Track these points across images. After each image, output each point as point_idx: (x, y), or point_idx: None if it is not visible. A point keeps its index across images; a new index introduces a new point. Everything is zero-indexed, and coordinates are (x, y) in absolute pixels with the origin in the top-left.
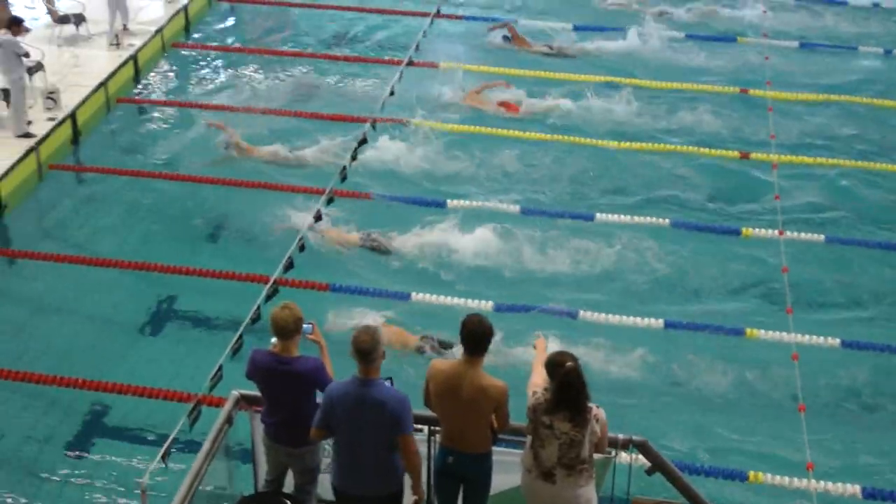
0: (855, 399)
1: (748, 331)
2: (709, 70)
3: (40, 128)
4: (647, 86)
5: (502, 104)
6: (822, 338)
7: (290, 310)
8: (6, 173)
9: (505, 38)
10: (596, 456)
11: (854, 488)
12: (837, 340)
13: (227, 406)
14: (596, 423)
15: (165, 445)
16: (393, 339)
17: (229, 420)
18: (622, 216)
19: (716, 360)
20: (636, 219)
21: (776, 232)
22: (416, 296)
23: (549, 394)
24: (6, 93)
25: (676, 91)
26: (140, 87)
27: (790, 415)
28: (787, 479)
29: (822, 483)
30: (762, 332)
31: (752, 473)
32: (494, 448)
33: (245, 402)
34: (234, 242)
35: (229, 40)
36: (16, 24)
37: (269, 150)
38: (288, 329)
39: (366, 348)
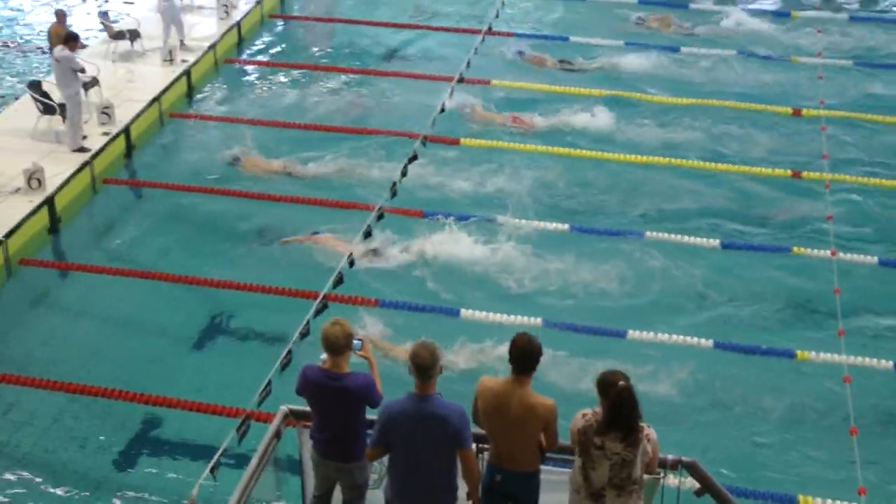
0: None
1: (799, 353)
2: (762, 89)
3: (95, 142)
4: (698, 104)
5: (514, 119)
6: (874, 360)
7: (341, 326)
8: (61, 187)
9: (519, 53)
10: (644, 476)
11: None
12: (890, 363)
13: (276, 421)
14: (647, 443)
15: (214, 459)
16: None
17: (278, 434)
18: (671, 235)
19: (766, 382)
20: (685, 238)
21: (828, 252)
22: (466, 312)
23: (601, 413)
24: (62, 107)
25: (729, 109)
26: (193, 102)
27: (841, 438)
28: (838, 503)
29: None
30: (813, 353)
31: (802, 497)
32: (542, 467)
33: (293, 417)
34: (284, 257)
35: (281, 56)
36: (72, 40)
37: (278, 163)
38: (338, 345)
39: (425, 364)
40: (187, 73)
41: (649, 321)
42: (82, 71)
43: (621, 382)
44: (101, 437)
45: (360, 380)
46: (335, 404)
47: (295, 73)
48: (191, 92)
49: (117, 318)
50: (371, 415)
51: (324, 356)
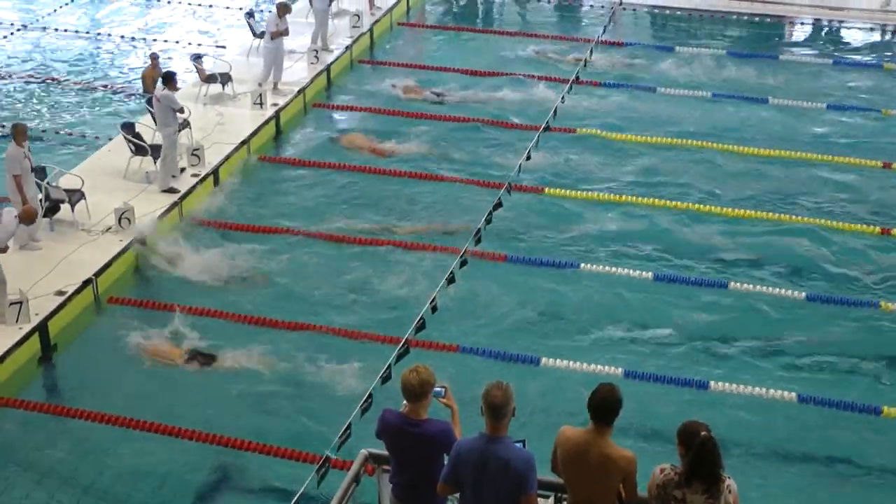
0: None
1: (885, 409)
2: (851, 142)
3: (184, 183)
4: (784, 156)
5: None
6: None
7: (418, 373)
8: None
9: (392, 85)
10: None
11: None
12: None
13: (356, 464)
14: (729, 494)
15: (293, 502)
16: (160, 353)
17: (357, 478)
18: (757, 286)
19: (851, 438)
20: (770, 289)
21: None
22: (546, 361)
23: (684, 465)
24: (154, 149)
25: (817, 163)
26: (281, 145)
27: None
28: None
29: None
30: None
31: None
32: None
33: (373, 460)
34: (368, 301)
35: (368, 101)
36: (171, 80)
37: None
38: (415, 392)
39: (498, 403)
40: (276, 116)
41: (731, 373)
42: (181, 111)
43: (704, 433)
44: (181, 477)
45: (437, 427)
46: (412, 450)
47: (383, 117)
48: (279, 135)
49: None
50: None
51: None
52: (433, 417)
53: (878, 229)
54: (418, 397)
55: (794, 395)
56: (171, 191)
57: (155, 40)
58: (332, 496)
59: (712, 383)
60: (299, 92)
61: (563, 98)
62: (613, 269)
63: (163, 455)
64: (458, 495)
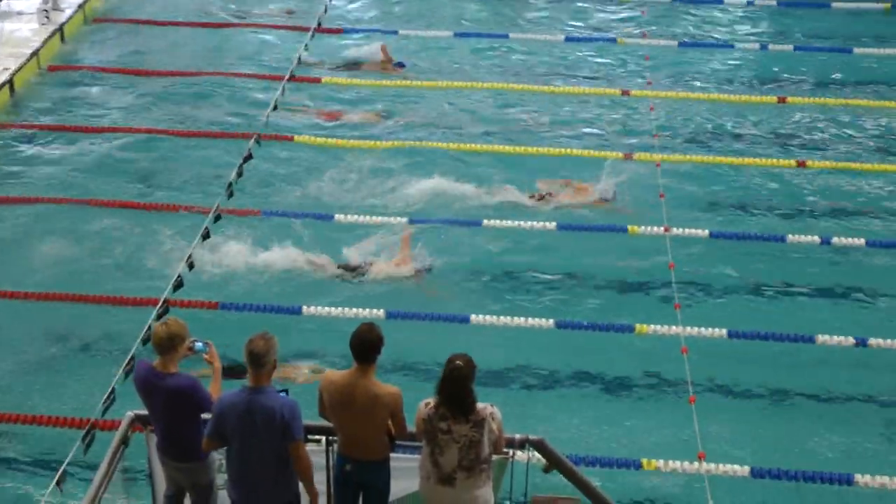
0: (743, 386)
1: (637, 327)
2: (590, 71)
3: None
4: (528, 89)
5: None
6: (709, 329)
7: (167, 326)
8: None
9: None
10: (493, 457)
11: (743, 469)
12: (724, 331)
13: (122, 426)
14: (493, 422)
15: (60, 471)
16: None
17: (125, 441)
18: (507, 221)
19: (607, 357)
20: (521, 223)
21: (661, 229)
22: (308, 309)
23: (438, 392)
24: None
25: (557, 95)
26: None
27: (681, 406)
28: (678, 463)
29: (713, 465)
30: (651, 327)
31: (645, 461)
32: (392, 454)
33: (140, 421)
34: (123, 263)
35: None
36: None
37: None
38: (162, 345)
39: (259, 352)
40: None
41: (489, 304)
42: None
43: (458, 361)
44: None
45: (182, 381)
46: (159, 403)
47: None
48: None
49: None
50: None
51: None
52: (183, 372)
53: (621, 155)
54: (167, 350)
55: (551, 321)
56: None
57: None
58: (100, 462)
59: (472, 317)
60: (79, 7)
61: (305, 46)
62: (368, 217)
63: None
64: (225, 449)
